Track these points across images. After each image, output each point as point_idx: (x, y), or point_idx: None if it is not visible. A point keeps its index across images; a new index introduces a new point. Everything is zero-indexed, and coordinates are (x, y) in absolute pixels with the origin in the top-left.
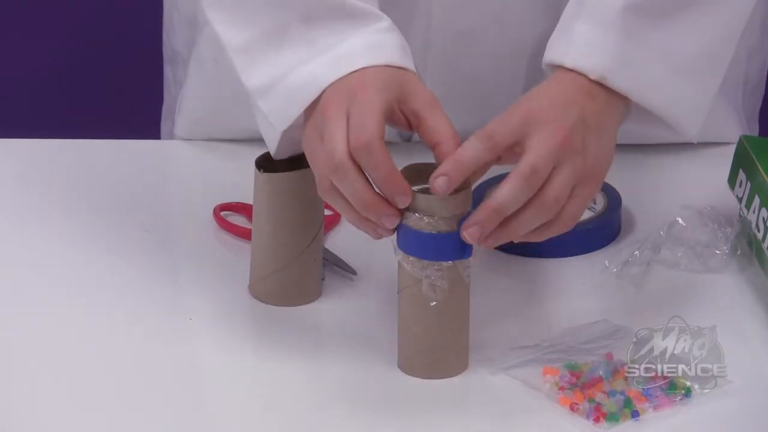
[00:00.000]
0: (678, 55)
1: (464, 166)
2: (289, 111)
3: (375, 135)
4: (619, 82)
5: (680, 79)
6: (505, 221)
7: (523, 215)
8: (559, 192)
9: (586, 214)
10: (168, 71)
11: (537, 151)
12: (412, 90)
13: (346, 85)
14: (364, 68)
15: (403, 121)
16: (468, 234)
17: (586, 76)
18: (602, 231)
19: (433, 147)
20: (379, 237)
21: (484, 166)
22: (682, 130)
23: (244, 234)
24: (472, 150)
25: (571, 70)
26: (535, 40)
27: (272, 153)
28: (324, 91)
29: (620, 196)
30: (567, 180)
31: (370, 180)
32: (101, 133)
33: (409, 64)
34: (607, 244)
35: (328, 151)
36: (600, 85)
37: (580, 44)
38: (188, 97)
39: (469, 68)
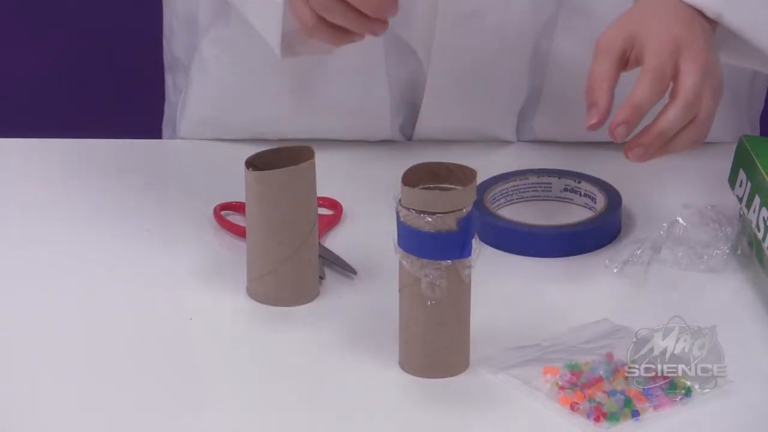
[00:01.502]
0: None
1: (642, 109)
2: None
3: None
4: (734, 20)
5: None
6: (651, 126)
7: (681, 136)
8: (709, 112)
9: (587, 214)
10: (168, 79)
11: (692, 75)
12: None
13: None
14: None
15: None
16: (632, 154)
17: (700, 12)
18: (602, 231)
19: None
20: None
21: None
22: None
23: (244, 233)
24: (647, 91)
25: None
26: (540, 23)
27: (277, 45)
28: None
29: (621, 196)
30: (712, 98)
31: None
32: (101, 134)
33: None
34: (607, 244)
35: None
36: (698, 16)
37: None
38: (191, 100)
39: (474, 50)
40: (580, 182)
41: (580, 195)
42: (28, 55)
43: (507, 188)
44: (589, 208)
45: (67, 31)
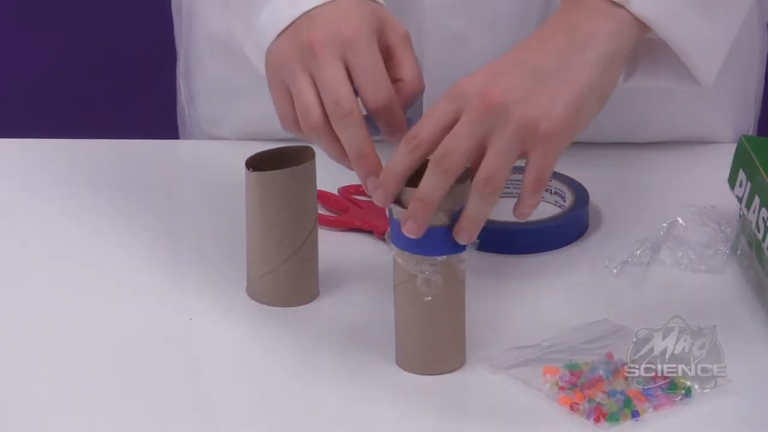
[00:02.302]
0: None
1: (396, 175)
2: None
3: (394, 97)
4: (642, 6)
5: (699, 10)
6: (463, 214)
7: (470, 205)
8: (492, 170)
9: (553, 210)
10: (178, 73)
11: (454, 130)
12: (388, 21)
13: (335, 24)
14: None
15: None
16: (406, 230)
17: (609, 0)
18: (567, 228)
19: (394, 82)
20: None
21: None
22: (698, 72)
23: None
24: (398, 156)
25: None
26: None
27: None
28: (299, 18)
29: (588, 194)
30: (501, 150)
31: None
32: (100, 134)
33: None
34: (574, 241)
35: (333, 98)
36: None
37: None
38: (198, 97)
39: (464, 72)
40: (550, 180)
41: (551, 193)
42: (29, 55)
43: None
44: (559, 206)
45: (67, 31)
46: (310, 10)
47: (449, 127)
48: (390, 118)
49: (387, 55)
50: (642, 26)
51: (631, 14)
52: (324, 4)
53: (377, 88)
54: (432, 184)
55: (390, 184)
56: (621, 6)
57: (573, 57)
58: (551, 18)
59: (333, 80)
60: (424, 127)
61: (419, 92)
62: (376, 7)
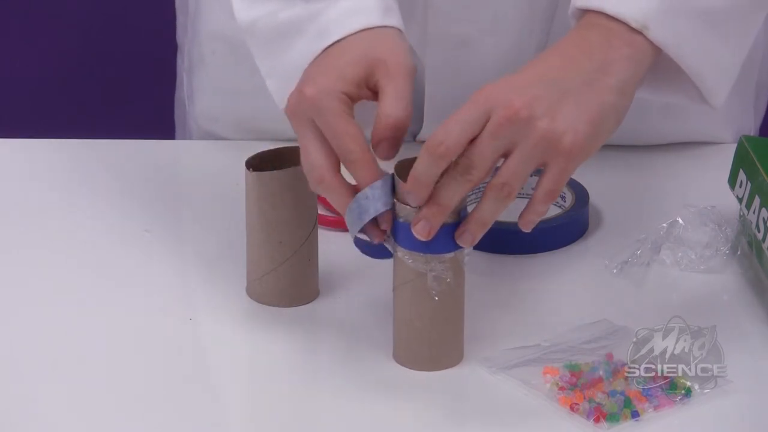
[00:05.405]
0: (712, 10)
1: (421, 182)
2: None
3: (366, 157)
4: (659, 33)
5: (714, 35)
6: (472, 212)
7: (481, 207)
8: (510, 177)
9: (553, 210)
10: (179, 67)
11: (479, 141)
12: (381, 60)
13: (307, 82)
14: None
15: (369, 95)
16: (417, 231)
17: (626, 24)
18: (567, 228)
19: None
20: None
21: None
22: (710, 95)
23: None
24: (421, 164)
25: (609, 18)
26: (531, 48)
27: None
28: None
29: (588, 194)
30: (521, 160)
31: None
32: (100, 134)
33: (391, 21)
34: (575, 241)
35: (307, 169)
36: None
37: None
38: (197, 93)
39: (467, 76)
40: None
41: None
42: (29, 55)
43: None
44: (559, 206)
45: (68, 31)
46: (326, 48)
47: (476, 135)
48: (364, 171)
49: (379, 93)
50: (657, 51)
51: (648, 40)
52: (340, 40)
53: (344, 150)
54: (453, 191)
55: (420, 192)
56: (638, 32)
57: (594, 78)
58: (570, 36)
59: (306, 148)
60: (451, 135)
61: (396, 127)
62: (373, 45)
